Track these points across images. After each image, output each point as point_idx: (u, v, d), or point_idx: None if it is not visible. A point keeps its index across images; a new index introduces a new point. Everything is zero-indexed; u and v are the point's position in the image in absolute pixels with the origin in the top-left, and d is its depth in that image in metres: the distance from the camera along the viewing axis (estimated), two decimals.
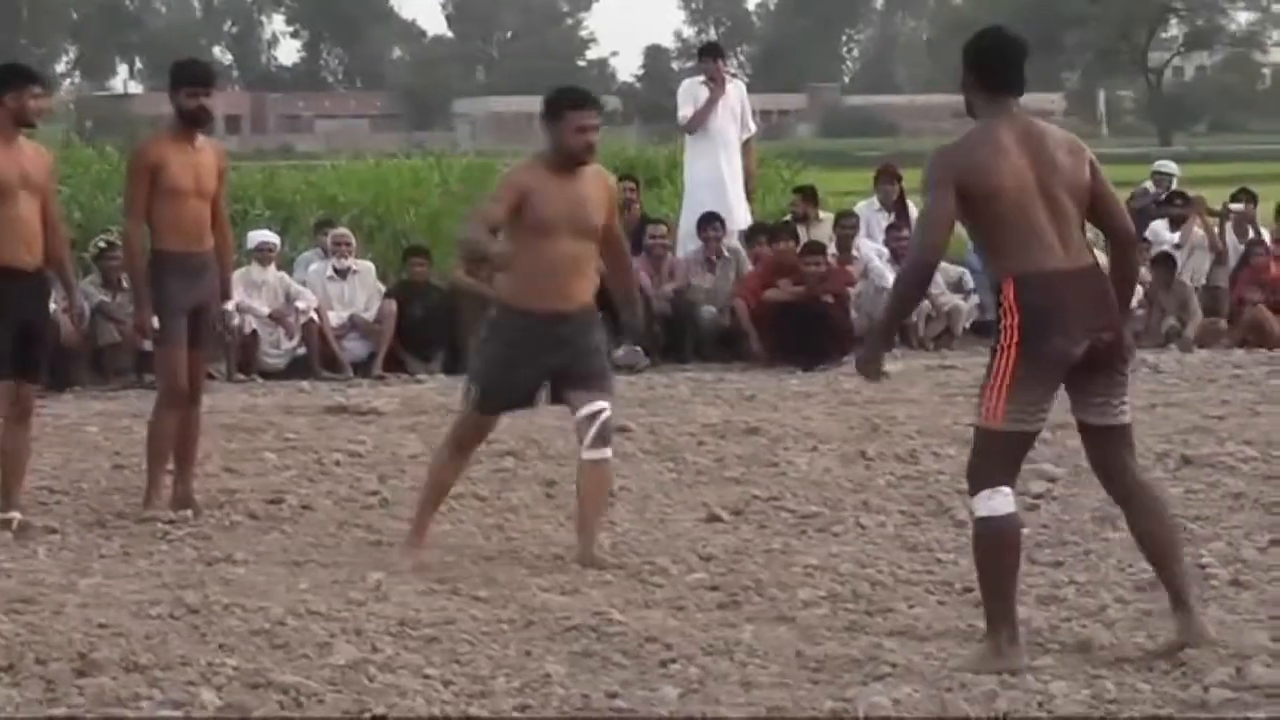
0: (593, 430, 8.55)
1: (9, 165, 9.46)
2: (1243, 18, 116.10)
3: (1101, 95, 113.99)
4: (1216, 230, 18.87)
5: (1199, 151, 66.11)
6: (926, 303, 16.57)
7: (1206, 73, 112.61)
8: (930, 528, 9.43)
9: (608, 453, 8.67)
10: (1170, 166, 21.08)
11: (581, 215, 8.64)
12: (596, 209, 8.69)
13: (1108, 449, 6.90)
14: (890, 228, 18.31)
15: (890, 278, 16.31)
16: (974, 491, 6.77)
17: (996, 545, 6.73)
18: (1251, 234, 18.96)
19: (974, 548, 6.84)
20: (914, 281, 7.02)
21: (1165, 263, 17.70)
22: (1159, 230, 19.03)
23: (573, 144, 8.59)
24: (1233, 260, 18.65)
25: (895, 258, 17.25)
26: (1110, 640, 7.05)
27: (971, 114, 6.99)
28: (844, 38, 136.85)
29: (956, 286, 17.81)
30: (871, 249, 17.97)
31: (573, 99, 8.70)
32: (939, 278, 15.72)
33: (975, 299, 17.64)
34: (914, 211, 18.31)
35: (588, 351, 8.65)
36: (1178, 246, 18.56)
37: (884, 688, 6.47)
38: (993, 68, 6.92)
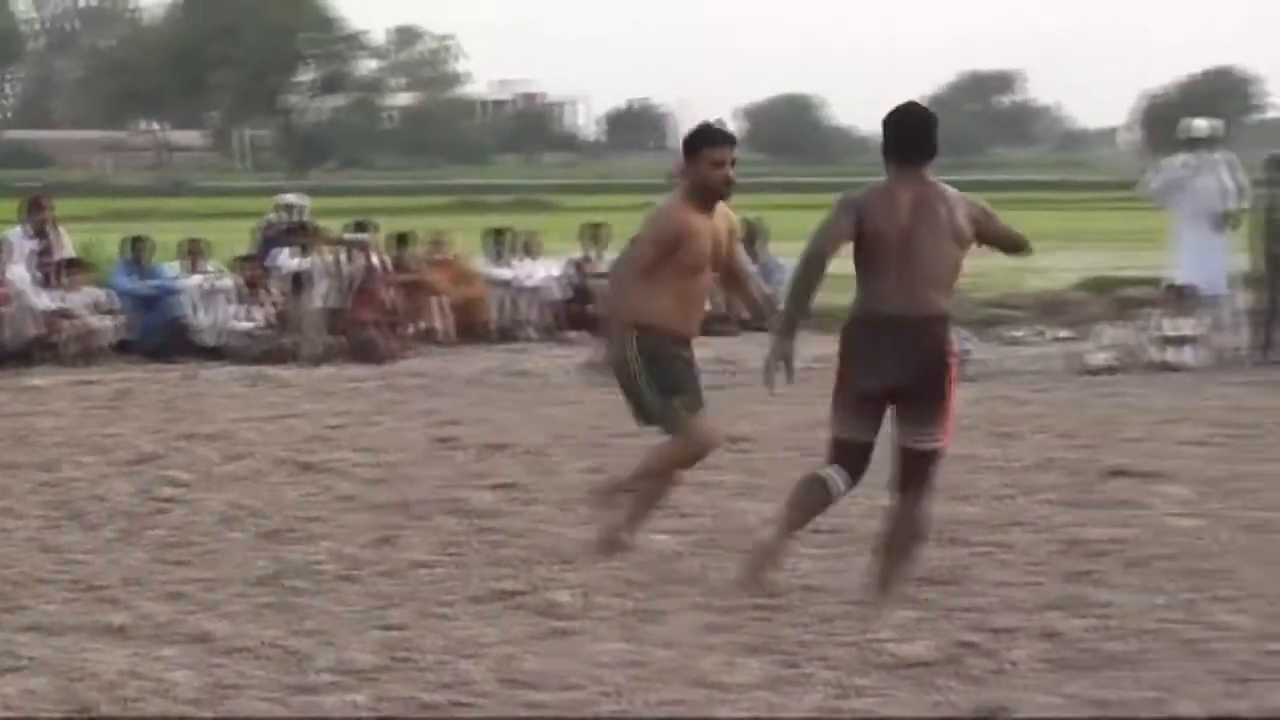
0: None
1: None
2: (368, 65, 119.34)
3: (243, 134, 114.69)
4: (340, 257, 19.30)
5: (330, 186, 67.46)
6: (68, 322, 16.59)
7: (338, 114, 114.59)
8: (68, 531, 9.32)
9: None
10: (293, 199, 21.27)
11: (717, 252, 8.50)
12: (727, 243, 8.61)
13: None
14: (41, 253, 18.04)
15: (38, 300, 16.23)
16: None
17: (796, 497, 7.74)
18: (368, 260, 19.47)
19: None
20: (802, 278, 7.57)
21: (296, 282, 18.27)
22: (283, 256, 19.36)
23: (710, 179, 8.39)
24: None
25: (47, 281, 17.18)
26: (229, 631, 7.11)
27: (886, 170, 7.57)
28: (6, 76, 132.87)
29: (96, 308, 17.72)
30: (19, 273, 17.64)
31: (709, 136, 8.52)
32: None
33: (121, 319, 17.72)
34: (64, 237, 18.28)
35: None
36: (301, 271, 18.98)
37: (17, 679, 6.39)
38: (900, 139, 7.54)
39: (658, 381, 8.57)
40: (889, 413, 7.59)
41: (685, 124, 25.94)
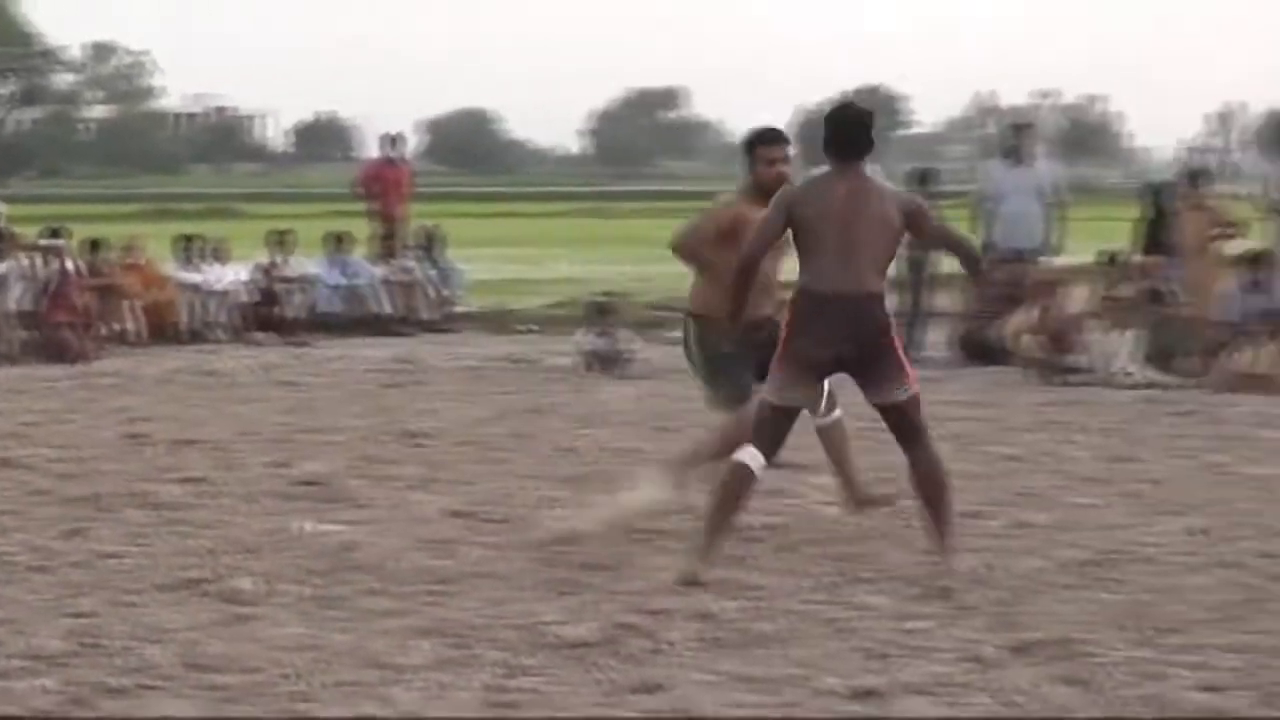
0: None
1: None
2: (65, 79, 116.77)
3: None
4: (35, 261, 18.80)
5: (28, 194, 65.73)
6: None
7: (36, 125, 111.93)
8: None
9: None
10: None
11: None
12: None
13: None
14: None
15: None
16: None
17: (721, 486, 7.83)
18: (62, 265, 18.98)
19: None
20: (741, 268, 7.91)
21: None
22: None
23: (764, 176, 8.69)
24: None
25: None
26: None
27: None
28: None
29: None
30: None
31: (763, 136, 8.91)
32: None
33: None
34: None
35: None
36: None
37: None
38: (836, 136, 7.80)
39: (709, 367, 8.90)
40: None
41: (370, 136, 25.98)
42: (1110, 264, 17.64)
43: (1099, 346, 15.47)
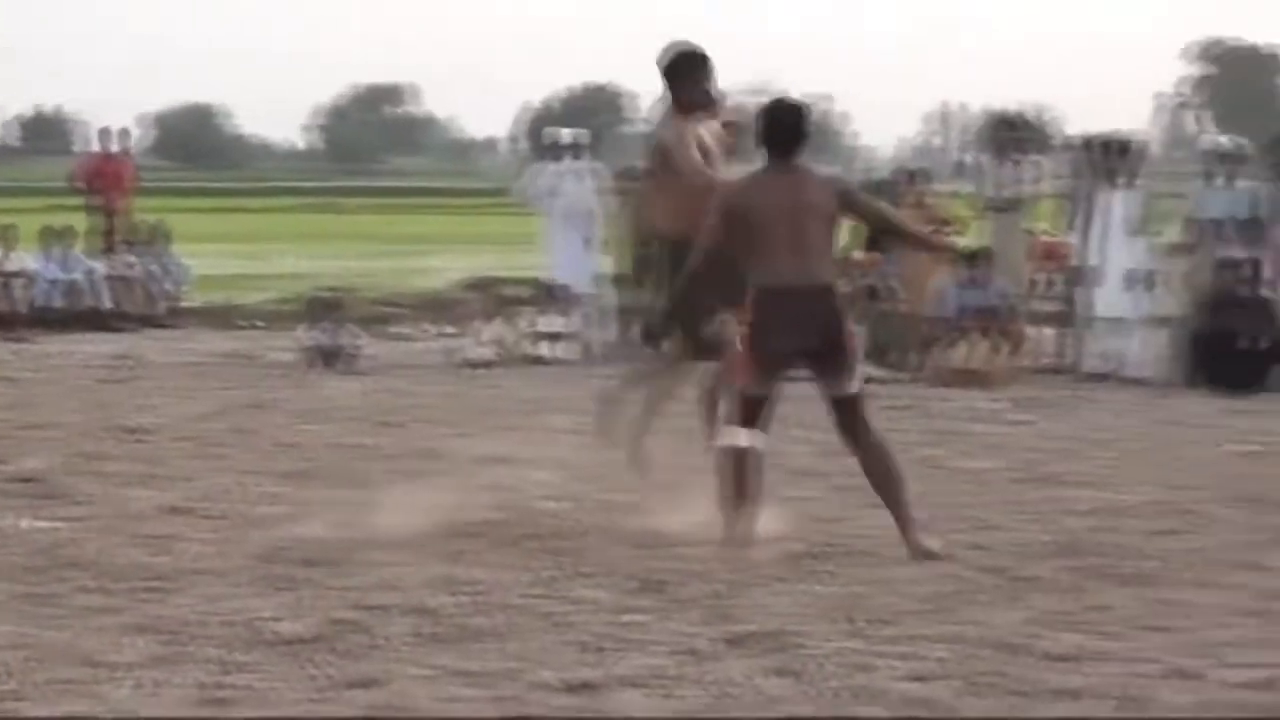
0: None
1: None
2: None
3: None
4: None
5: None
6: None
7: None
8: None
9: None
10: None
11: None
12: None
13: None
14: None
15: None
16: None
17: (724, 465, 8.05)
18: None
19: None
20: (687, 274, 8.14)
21: None
22: None
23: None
24: None
25: None
26: None
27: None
28: None
29: None
30: None
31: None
32: None
33: None
34: None
35: None
36: None
37: None
38: (771, 132, 7.99)
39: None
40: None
41: (95, 130, 25.27)
42: None
43: None
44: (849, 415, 8.10)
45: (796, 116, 8.15)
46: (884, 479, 8.11)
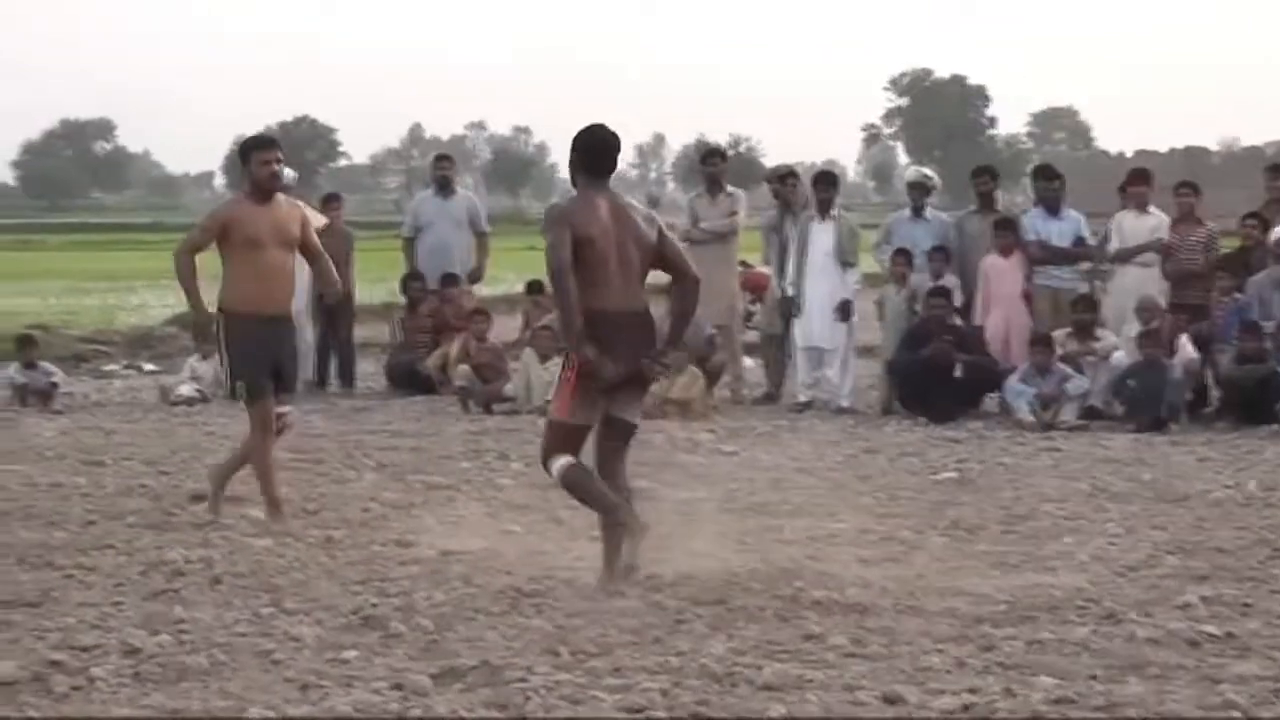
0: None
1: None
2: None
3: None
4: None
5: None
6: None
7: None
8: None
9: None
10: None
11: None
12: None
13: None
14: None
15: None
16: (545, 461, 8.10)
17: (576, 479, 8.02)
18: None
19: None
20: (562, 289, 7.82)
21: None
22: None
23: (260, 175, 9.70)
24: None
25: None
26: None
27: (574, 185, 8.06)
28: None
29: None
30: None
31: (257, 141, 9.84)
32: None
33: None
34: None
35: None
36: None
37: None
38: (592, 156, 8.01)
39: (235, 359, 9.75)
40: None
41: None
42: (539, 293, 18.02)
43: (527, 375, 15.74)
44: (623, 441, 8.25)
45: (612, 142, 8.17)
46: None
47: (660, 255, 8.18)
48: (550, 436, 8.16)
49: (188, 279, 9.60)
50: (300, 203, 10.18)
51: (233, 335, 9.70)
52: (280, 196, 9.91)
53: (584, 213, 7.97)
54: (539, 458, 8.30)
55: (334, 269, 10.24)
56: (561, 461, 8.09)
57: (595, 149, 8.10)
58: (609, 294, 7.95)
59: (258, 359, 9.72)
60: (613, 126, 8.18)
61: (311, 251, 10.05)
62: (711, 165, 17.26)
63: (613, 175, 8.17)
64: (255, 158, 9.76)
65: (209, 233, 9.73)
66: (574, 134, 8.14)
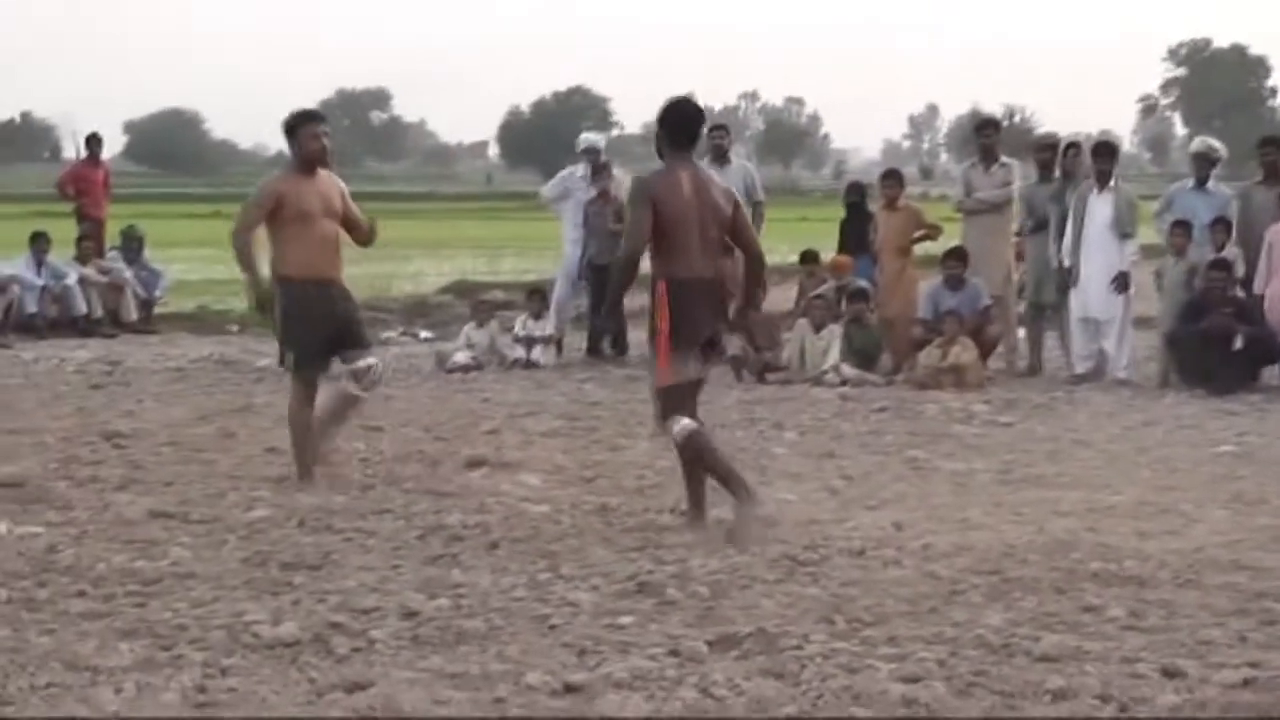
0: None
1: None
2: None
3: None
4: None
5: None
6: None
7: None
8: None
9: None
10: None
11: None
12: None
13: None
14: None
15: None
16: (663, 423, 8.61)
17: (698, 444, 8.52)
18: None
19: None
20: (623, 269, 8.39)
21: None
22: None
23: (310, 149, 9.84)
24: None
25: None
26: None
27: (660, 157, 8.50)
28: None
29: None
30: None
31: (305, 115, 9.96)
32: None
33: None
34: None
35: None
36: None
37: None
38: (676, 129, 8.43)
39: (289, 326, 9.89)
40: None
41: (69, 136, 25.31)
42: (813, 263, 17.97)
43: (800, 345, 15.72)
44: (697, 393, 8.69)
45: (701, 116, 8.65)
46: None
47: (733, 228, 8.56)
48: (663, 403, 8.57)
49: (249, 256, 9.75)
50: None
51: (289, 301, 9.82)
52: (322, 170, 10.01)
53: (666, 187, 8.37)
54: (656, 421, 8.76)
55: (374, 236, 10.44)
56: (682, 424, 8.49)
57: (680, 123, 8.48)
58: (690, 262, 8.36)
59: (311, 327, 9.86)
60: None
61: (352, 221, 10.18)
62: (986, 136, 17.12)
63: (696, 146, 8.67)
64: (304, 131, 9.86)
65: (263, 209, 9.80)
66: (661, 107, 8.55)
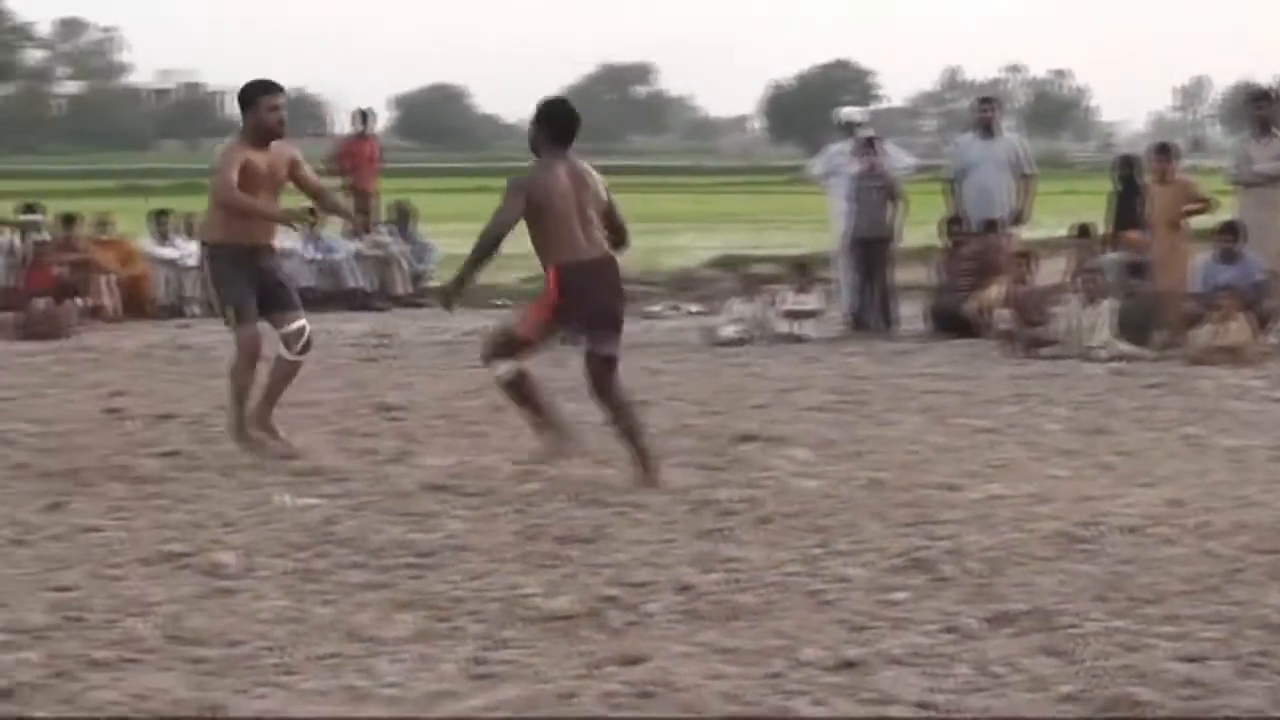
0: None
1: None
2: (34, 55, 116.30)
3: None
4: (12, 237, 19.13)
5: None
6: None
7: (7, 102, 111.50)
8: None
9: None
10: None
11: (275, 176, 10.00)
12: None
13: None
14: None
15: None
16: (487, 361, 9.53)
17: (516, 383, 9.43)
18: (39, 240, 19.22)
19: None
20: (489, 244, 9.05)
21: None
22: None
23: (267, 120, 9.85)
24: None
25: None
26: None
27: (536, 153, 9.15)
28: None
29: None
30: None
31: (264, 86, 9.91)
32: None
33: None
34: None
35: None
36: None
37: None
38: (558, 127, 9.11)
39: (223, 288, 9.95)
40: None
41: (339, 111, 25.92)
42: (1083, 237, 17.69)
43: (1072, 319, 15.48)
44: (608, 372, 9.20)
45: (577, 116, 9.25)
46: (627, 425, 9.27)
47: (608, 210, 9.19)
48: (500, 341, 9.44)
49: (251, 204, 9.81)
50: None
51: (218, 266, 9.90)
52: (274, 142, 9.98)
53: (545, 181, 9.00)
54: (483, 357, 9.64)
55: (338, 199, 10.64)
56: (507, 365, 9.36)
57: (561, 122, 9.14)
58: (575, 247, 9.00)
59: (243, 286, 9.89)
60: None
61: (311, 187, 10.31)
62: (1259, 108, 16.68)
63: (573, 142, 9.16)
64: (264, 102, 9.85)
65: (236, 169, 9.74)
66: (538, 107, 9.21)
